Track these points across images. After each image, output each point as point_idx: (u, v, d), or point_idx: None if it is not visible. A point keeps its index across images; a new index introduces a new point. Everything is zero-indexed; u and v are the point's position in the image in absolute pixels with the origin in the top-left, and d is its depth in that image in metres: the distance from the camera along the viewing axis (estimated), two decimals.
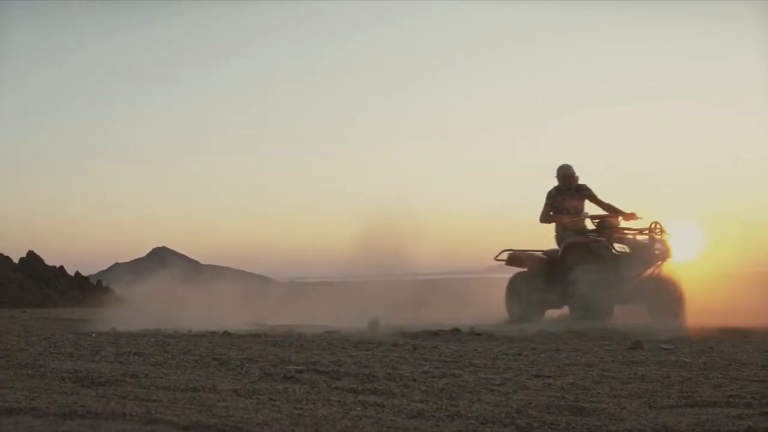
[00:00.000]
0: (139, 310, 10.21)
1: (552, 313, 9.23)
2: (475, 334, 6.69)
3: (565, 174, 9.16)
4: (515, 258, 9.39)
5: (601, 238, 8.65)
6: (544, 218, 9.16)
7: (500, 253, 9.59)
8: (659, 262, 8.72)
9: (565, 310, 9.08)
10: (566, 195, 9.11)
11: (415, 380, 3.66)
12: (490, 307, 9.44)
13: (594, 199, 9.16)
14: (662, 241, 8.63)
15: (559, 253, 8.96)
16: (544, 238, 9.56)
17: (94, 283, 21.61)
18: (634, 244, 8.70)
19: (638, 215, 8.98)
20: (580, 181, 9.18)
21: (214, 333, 7.13)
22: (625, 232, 8.82)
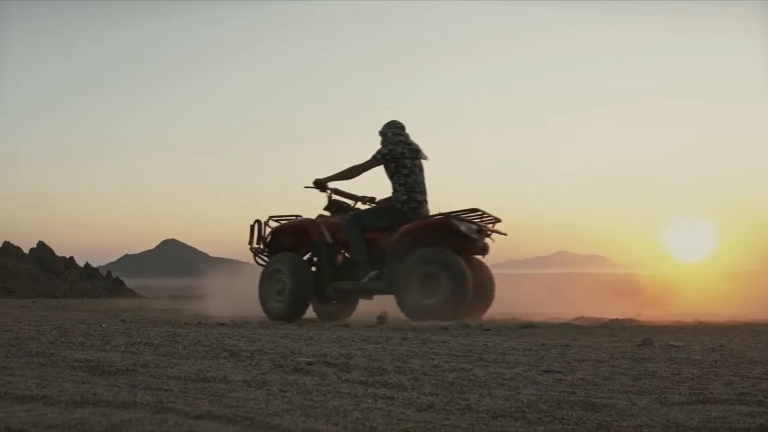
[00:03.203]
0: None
1: None
2: (484, 329, 6.70)
3: None
4: None
5: None
6: None
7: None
8: None
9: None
10: None
11: (425, 374, 3.66)
12: (499, 302, 9.42)
13: None
14: None
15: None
16: None
17: (104, 274, 21.70)
18: None
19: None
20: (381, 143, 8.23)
21: (223, 324, 7.16)
22: None
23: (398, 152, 8.02)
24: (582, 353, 4.71)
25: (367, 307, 8.75)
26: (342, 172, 8.17)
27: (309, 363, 3.88)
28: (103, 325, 6.67)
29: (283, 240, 8.40)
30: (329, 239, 8.11)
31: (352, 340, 5.30)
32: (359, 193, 8.75)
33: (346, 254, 8.42)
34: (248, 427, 2.44)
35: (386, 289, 7.91)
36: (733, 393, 3.26)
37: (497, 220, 8.22)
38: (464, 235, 7.75)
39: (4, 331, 5.63)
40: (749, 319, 8.67)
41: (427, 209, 8.11)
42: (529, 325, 7.05)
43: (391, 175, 8.08)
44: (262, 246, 8.59)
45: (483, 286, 8.24)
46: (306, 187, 8.36)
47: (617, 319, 8.28)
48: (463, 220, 7.83)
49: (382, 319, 7.62)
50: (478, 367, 3.95)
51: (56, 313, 9.52)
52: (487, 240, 8.25)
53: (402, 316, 7.86)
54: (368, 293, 8.26)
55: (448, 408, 2.85)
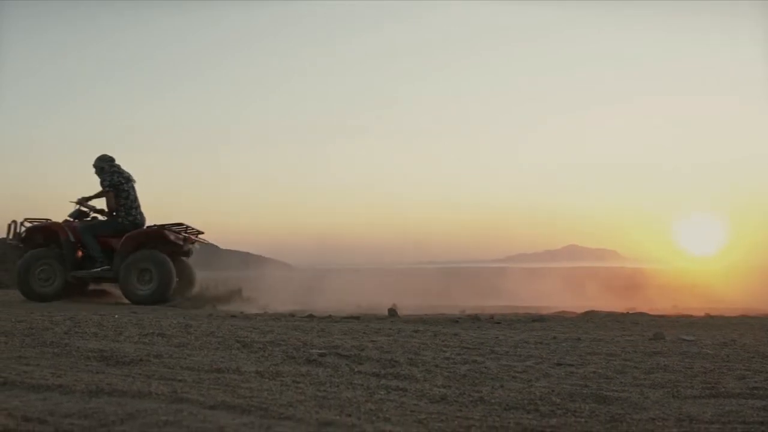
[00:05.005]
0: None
1: None
2: (495, 322, 6.70)
3: None
4: None
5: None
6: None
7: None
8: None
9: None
10: None
11: (437, 366, 3.67)
12: (510, 296, 9.43)
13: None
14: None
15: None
16: None
17: None
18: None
19: None
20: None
21: (234, 316, 7.19)
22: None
23: (116, 180, 10.33)
24: (593, 346, 4.71)
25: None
26: (108, 205, 10.40)
27: (321, 354, 3.90)
28: (116, 315, 6.70)
29: (35, 237, 10.41)
30: (72, 238, 10.25)
31: (364, 332, 5.31)
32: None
33: (84, 250, 10.46)
34: (262, 418, 2.46)
35: (114, 279, 10.12)
36: (745, 387, 3.25)
37: (200, 233, 10.66)
38: (173, 242, 10.11)
39: (18, 321, 5.67)
40: (760, 313, 8.65)
41: (142, 221, 10.43)
42: (540, 319, 7.05)
43: (116, 198, 10.31)
44: (17, 241, 10.62)
45: (185, 278, 10.70)
46: (72, 201, 10.61)
47: (628, 312, 8.27)
48: (173, 230, 10.13)
49: (393, 311, 7.65)
50: (490, 360, 3.95)
51: (68, 303, 9.56)
52: (191, 246, 10.55)
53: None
54: (99, 280, 10.36)
55: (460, 400, 2.86)
